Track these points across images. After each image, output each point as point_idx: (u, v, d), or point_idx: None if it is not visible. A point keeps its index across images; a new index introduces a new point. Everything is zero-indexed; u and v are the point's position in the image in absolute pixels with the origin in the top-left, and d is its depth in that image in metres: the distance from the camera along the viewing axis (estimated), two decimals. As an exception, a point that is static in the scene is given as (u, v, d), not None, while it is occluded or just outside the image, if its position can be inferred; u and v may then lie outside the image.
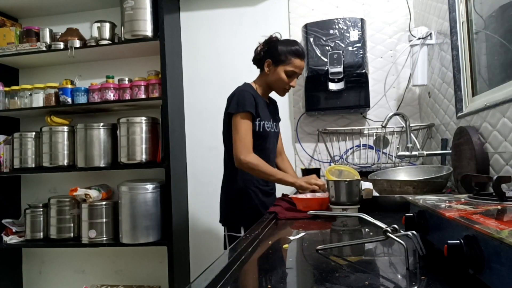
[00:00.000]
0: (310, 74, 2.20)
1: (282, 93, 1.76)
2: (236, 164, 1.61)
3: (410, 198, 0.81)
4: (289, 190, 2.02)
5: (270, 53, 1.69)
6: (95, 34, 2.48)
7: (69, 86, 2.50)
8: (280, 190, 1.89)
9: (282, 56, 1.66)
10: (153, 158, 2.41)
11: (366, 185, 1.22)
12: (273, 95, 1.85)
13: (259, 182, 1.71)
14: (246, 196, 1.68)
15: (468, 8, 1.59)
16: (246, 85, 1.73)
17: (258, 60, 1.75)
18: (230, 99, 1.68)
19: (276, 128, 1.81)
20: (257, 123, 1.66)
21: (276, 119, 1.85)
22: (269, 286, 0.59)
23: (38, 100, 2.53)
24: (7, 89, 2.58)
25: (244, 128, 1.61)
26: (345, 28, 2.17)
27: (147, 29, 2.38)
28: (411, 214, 0.75)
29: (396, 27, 2.37)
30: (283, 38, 1.75)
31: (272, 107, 1.86)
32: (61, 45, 2.48)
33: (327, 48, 2.18)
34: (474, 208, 0.63)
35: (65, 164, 2.47)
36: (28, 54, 2.50)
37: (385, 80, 2.36)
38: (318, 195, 1.43)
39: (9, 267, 2.68)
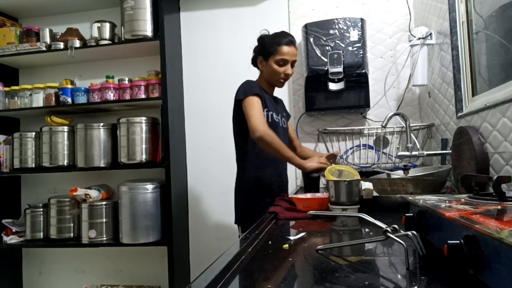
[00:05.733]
0: (310, 74, 2.20)
1: (280, 85, 1.78)
2: (255, 136, 1.56)
3: (410, 198, 0.81)
4: (290, 189, 2.02)
5: (260, 50, 1.74)
6: (95, 34, 2.48)
7: (69, 86, 2.50)
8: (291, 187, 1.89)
9: (269, 48, 1.70)
10: (153, 158, 2.41)
11: (366, 185, 1.22)
12: (277, 93, 1.87)
13: (273, 178, 1.70)
14: (261, 194, 1.67)
15: (468, 8, 1.59)
16: (250, 80, 1.75)
17: (253, 61, 1.81)
18: (237, 90, 1.70)
19: (284, 124, 1.82)
20: (265, 113, 1.67)
21: (284, 115, 1.86)
22: (269, 286, 0.59)
23: (38, 100, 2.53)
24: (7, 89, 2.58)
25: (257, 106, 1.61)
26: (345, 28, 2.17)
27: (147, 29, 2.38)
28: (411, 214, 0.75)
29: (396, 27, 2.37)
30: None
31: (278, 104, 1.88)
32: (61, 45, 2.48)
33: (327, 48, 2.18)
34: (474, 208, 0.63)
35: (65, 164, 2.47)
36: (28, 54, 2.50)
37: (385, 80, 2.36)
38: (318, 195, 1.43)
39: (9, 267, 2.68)
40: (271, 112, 1.70)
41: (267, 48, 1.70)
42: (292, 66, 1.74)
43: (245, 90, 1.65)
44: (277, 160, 1.70)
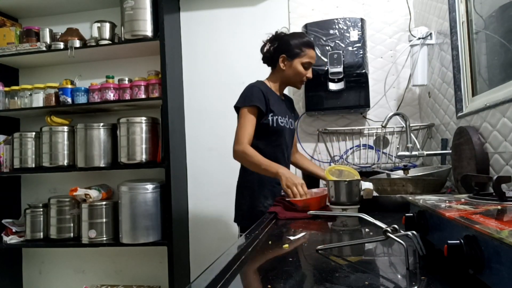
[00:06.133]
0: (310, 74, 2.20)
1: (299, 86, 1.77)
2: (233, 155, 1.61)
3: (410, 198, 0.81)
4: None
5: (283, 48, 1.69)
6: (95, 34, 2.48)
7: (69, 86, 2.50)
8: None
9: (296, 49, 1.67)
10: (153, 158, 2.41)
11: (366, 185, 1.22)
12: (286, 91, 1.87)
13: (276, 181, 1.69)
14: (262, 195, 1.66)
15: (468, 8, 1.59)
16: (258, 81, 1.73)
17: (269, 58, 1.75)
18: (240, 95, 1.69)
19: (291, 125, 1.79)
20: (270, 118, 1.65)
21: (292, 116, 1.83)
22: (269, 286, 0.59)
23: (38, 100, 2.53)
24: (7, 89, 2.58)
25: (245, 121, 1.61)
26: (345, 28, 2.17)
27: (147, 29, 2.38)
28: (411, 214, 0.75)
29: (396, 27, 2.37)
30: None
31: (288, 103, 1.85)
32: (61, 45, 2.48)
33: (327, 48, 2.18)
34: (474, 208, 0.63)
35: (65, 164, 2.47)
36: (28, 54, 2.50)
37: (385, 80, 2.36)
38: (315, 190, 1.43)
39: (9, 267, 2.68)
40: (276, 117, 1.67)
41: (294, 48, 1.66)
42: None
43: (245, 98, 1.64)
44: (280, 161, 1.68)
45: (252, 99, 1.61)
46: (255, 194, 1.67)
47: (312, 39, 1.74)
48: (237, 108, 1.67)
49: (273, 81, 1.75)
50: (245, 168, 1.71)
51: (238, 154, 1.59)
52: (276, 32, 1.75)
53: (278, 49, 1.70)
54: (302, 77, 1.71)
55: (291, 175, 1.46)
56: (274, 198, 1.63)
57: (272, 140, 1.67)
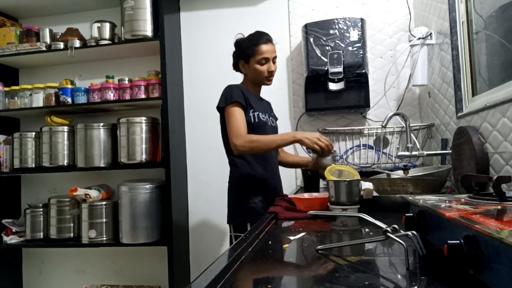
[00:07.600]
0: (310, 74, 2.20)
1: (267, 83, 1.78)
2: (235, 152, 1.62)
3: (410, 198, 0.81)
4: (289, 190, 2.02)
5: (239, 54, 1.75)
6: (95, 34, 2.48)
7: (69, 86, 2.50)
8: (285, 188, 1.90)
9: (248, 51, 1.70)
10: (153, 158, 2.41)
11: (366, 185, 1.22)
12: (268, 95, 1.87)
13: (265, 176, 1.71)
14: (252, 192, 1.68)
15: (468, 8, 1.59)
16: (234, 84, 1.77)
17: (234, 66, 1.82)
18: (220, 97, 1.73)
19: (273, 123, 1.83)
20: (251, 114, 1.68)
21: (272, 115, 1.87)
22: (269, 286, 0.59)
23: (38, 100, 2.53)
24: (7, 89, 2.58)
25: (236, 116, 1.63)
26: (345, 28, 2.17)
27: (147, 29, 2.38)
28: (411, 214, 0.75)
29: (396, 27, 2.37)
30: (273, 38, 1.77)
31: (266, 104, 1.89)
32: (61, 45, 2.48)
33: (327, 48, 2.18)
34: (474, 208, 0.63)
35: (65, 164, 2.47)
36: (28, 54, 2.50)
37: (385, 80, 2.36)
38: (315, 195, 1.43)
39: (9, 267, 2.68)
40: (257, 112, 1.71)
41: (246, 50, 1.70)
42: (274, 62, 1.74)
43: (225, 97, 1.67)
44: (266, 156, 1.71)
45: (233, 96, 1.65)
46: (246, 192, 1.69)
47: (262, 33, 1.72)
48: (220, 108, 1.71)
49: (245, 84, 1.80)
50: (235, 168, 1.73)
51: (243, 146, 1.58)
52: (236, 40, 1.78)
53: (236, 56, 1.77)
54: (263, 75, 1.72)
55: (308, 134, 1.55)
56: (265, 195, 1.67)
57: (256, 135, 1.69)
